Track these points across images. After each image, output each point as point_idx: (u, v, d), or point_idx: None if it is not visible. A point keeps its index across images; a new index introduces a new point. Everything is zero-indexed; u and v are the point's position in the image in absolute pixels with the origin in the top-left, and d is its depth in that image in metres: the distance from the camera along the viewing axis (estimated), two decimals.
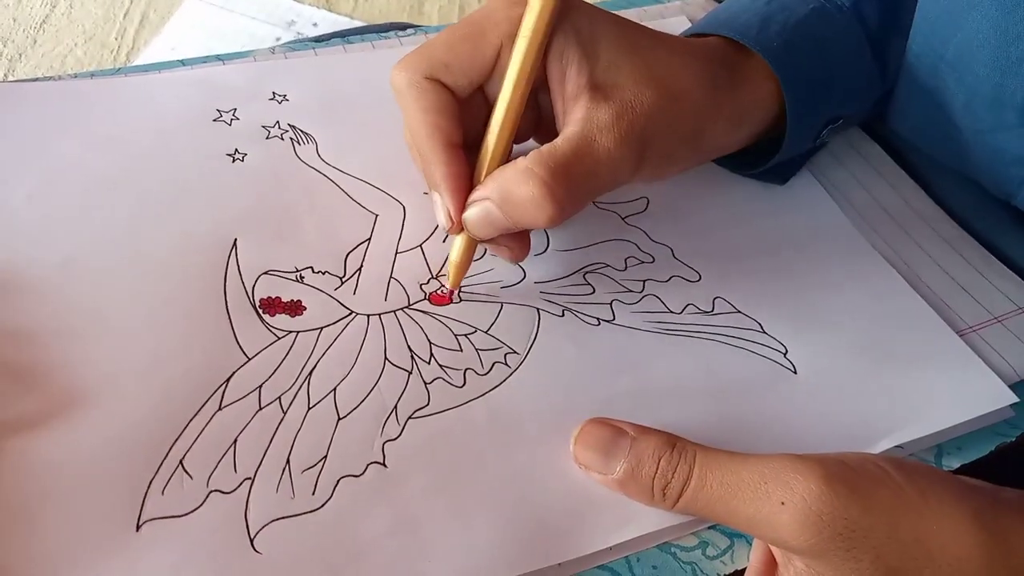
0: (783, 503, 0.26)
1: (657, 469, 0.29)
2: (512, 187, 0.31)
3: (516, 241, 0.35)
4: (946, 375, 0.35)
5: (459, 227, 0.33)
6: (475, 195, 0.33)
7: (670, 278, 0.38)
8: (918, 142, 0.43)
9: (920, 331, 0.37)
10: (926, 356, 0.36)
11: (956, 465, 0.33)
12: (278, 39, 0.84)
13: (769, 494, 0.26)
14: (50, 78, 0.41)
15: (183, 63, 0.43)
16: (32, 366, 0.30)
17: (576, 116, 0.32)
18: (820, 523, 0.26)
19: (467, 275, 0.36)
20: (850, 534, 0.25)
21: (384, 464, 0.30)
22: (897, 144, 0.46)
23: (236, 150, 0.39)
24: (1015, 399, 0.34)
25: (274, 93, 0.42)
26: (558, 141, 0.32)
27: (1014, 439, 0.34)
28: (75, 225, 0.35)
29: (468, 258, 0.34)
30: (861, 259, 0.40)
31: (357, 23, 0.89)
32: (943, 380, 0.35)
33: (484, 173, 0.33)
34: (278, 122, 0.41)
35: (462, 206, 0.33)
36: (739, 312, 0.37)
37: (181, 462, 0.29)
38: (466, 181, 0.33)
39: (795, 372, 0.35)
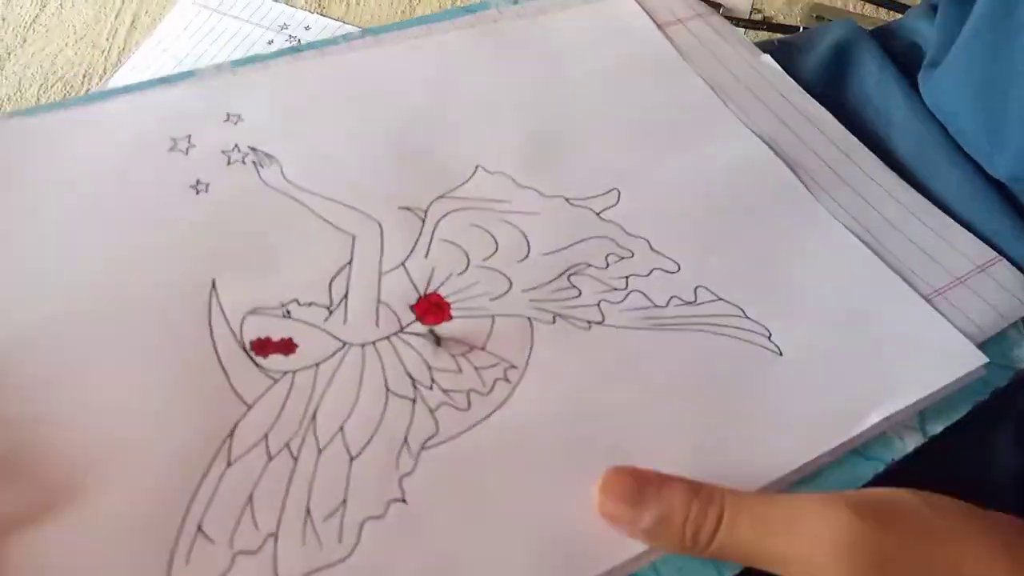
0: (816, 537, 0.27)
1: (688, 515, 0.28)
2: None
3: None
4: (921, 343, 0.37)
5: None
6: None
7: (651, 271, 0.38)
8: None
9: (891, 302, 0.39)
10: (899, 326, 0.38)
11: (939, 429, 0.35)
12: (270, 42, 0.82)
13: (801, 530, 0.27)
14: None
15: (127, 89, 0.41)
16: (18, 455, 0.29)
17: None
18: (854, 556, 0.26)
19: (455, 291, 0.36)
20: (884, 565, 0.26)
21: (404, 501, 0.30)
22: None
23: (198, 181, 0.38)
24: (986, 359, 0.36)
25: (228, 114, 0.41)
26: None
27: (987, 396, 0.37)
28: (41, 291, 0.33)
29: None
30: (829, 235, 0.41)
31: (350, 27, 0.86)
32: (918, 348, 0.37)
33: None
34: (236, 145, 0.39)
35: None
36: (721, 300, 0.38)
37: (200, 527, 0.28)
38: None
39: (781, 354, 0.36)
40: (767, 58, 0.50)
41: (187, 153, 0.39)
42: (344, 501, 0.30)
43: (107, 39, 0.84)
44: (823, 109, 0.47)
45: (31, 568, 0.27)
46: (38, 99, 0.78)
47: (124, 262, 0.35)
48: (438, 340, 0.34)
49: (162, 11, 0.84)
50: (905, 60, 0.52)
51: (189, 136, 0.39)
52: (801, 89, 0.48)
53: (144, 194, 0.37)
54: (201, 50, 0.77)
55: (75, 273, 0.34)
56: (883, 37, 0.54)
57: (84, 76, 0.84)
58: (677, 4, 0.52)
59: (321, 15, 0.88)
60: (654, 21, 0.50)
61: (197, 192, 0.37)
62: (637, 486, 0.29)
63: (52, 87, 0.80)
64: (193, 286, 0.34)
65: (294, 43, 0.86)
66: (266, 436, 0.31)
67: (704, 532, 0.28)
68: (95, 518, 0.28)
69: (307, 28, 0.86)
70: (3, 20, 0.84)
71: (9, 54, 0.81)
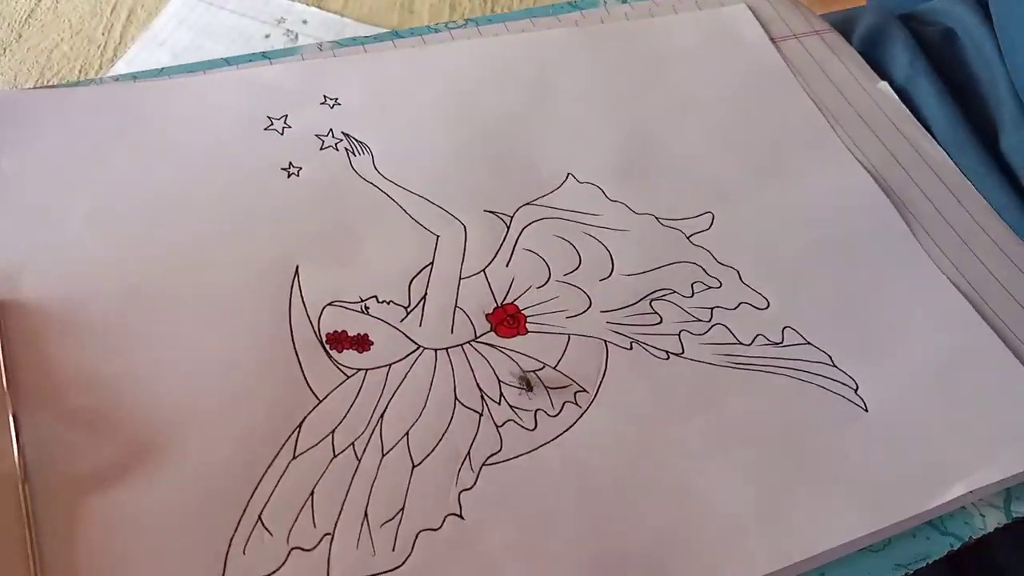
0: None
1: None
2: None
3: None
4: (1017, 413, 0.35)
5: None
6: None
7: (738, 305, 0.37)
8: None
9: (988, 365, 0.36)
10: (995, 392, 0.36)
11: None
12: (267, 36, 0.82)
13: None
14: (92, 81, 0.40)
15: (227, 62, 0.41)
16: (104, 412, 0.30)
17: None
18: None
19: (533, 304, 0.35)
20: None
21: (461, 516, 0.30)
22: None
23: (290, 163, 0.38)
24: None
25: (325, 96, 0.40)
26: None
27: None
28: (137, 249, 0.34)
29: None
30: (929, 284, 0.39)
31: (348, 21, 0.86)
32: (1013, 419, 0.35)
33: None
34: (331, 130, 0.39)
35: None
36: (809, 344, 0.36)
37: (260, 517, 0.29)
38: None
39: (866, 409, 0.35)
40: (884, 85, 0.47)
41: (282, 133, 0.39)
42: (402, 509, 0.30)
43: (103, 34, 0.84)
44: (937, 146, 0.45)
45: (106, 519, 0.28)
46: None
47: (217, 232, 0.35)
48: (530, 386, 0.33)
49: (158, 5, 0.84)
50: (939, 52, 0.48)
51: (286, 116, 0.39)
52: (916, 122, 0.46)
53: (239, 170, 0.37)
54: (198, 44, 0.77)
55: (173, 236, 0.34)
56: (914, 22, 0.50)
57: (80, 71, 0.84)
58: (795, 18, 0.49)
59: (319, 8, 0.87)
60: (768, 34, 0.48)
61: (288, 175, 0.38)
62: None
63: (48, 83, 0.80)
64: (277, 266, 0.34)
65: (291, 37, 0.85)
66: (333, 432, 0.31)
67: None
68: (166, 491, 0.29)
69: (304, 22, 0.86)
70: None
71: (4, 49, 0.81)
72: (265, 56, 0.42)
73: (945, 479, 0.33)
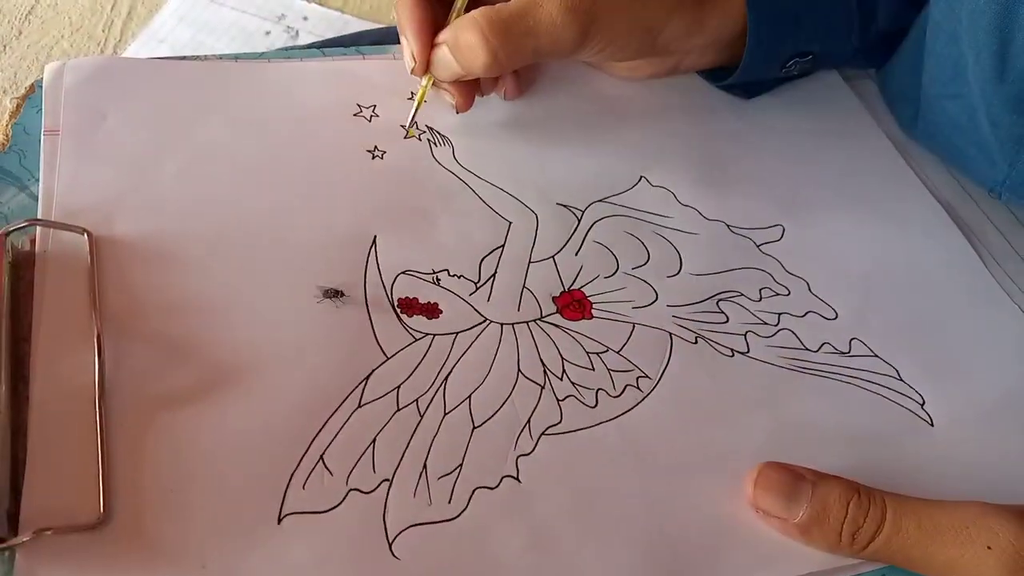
0: (989, 547, 0.26)
1: (847, 514, 0.28)
2: (460, 33, 0.36)
3: (460, 90, 0.39)
4: None
5: (421, 69, 0.38)
6: (438, 38, 0.37)
7: (806, 313, 0.37)
8: (898, 112, 0.45)
9: None
10: None
11: None
12: (268, 33, 0.83)
13: (973, 538, 0.27)
14: (197, 57, 0.42)
15: (323, 52, 0.44)
16: (182, 340, 0.31)
17: None
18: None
19: (599, 292, 0.36)
20: None
21: (518, 479, 0.30)
22: None
23: (375, 147, 0.39)
24: None
25: (412, 93, 0.42)
26: (513, 1, 0.35)
27: None
28: (220, 208, 0.35)
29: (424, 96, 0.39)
30: (1001, 313, 0.38)
31: (348, 18, 0.87)
32: None
33: (449, 21, 0.37)
34: (416, 123, 0.41)
35: (424, 49, 0.37)
36: (876, 356, 0.36)
37: (322, 457, 0.29)
38: (429, 27, 0.37)
39: (932, 424, 0.34)
40: None
41: (370, 121, 0.41)
42: (460, 466, 0.30)
43: (103, 30, 0.84)
44: None
45: (174, 441, 0.29)
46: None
47: (298, 201, 0.36)
48: (337, 294, 0.33)
49: (158, 2, 0.83)
50: None
51: (374, 106, 0.41)
52: None
53: (325, 149, 0.39)
54: (198, 41, 0.77)
55: (255, 201, 0.36)
56: None
57: None
58: None
59: (319, 5, 0.88)
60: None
61: (373, 157, 0.39)
62: (793, 479, 0.29)
63: None
64: (355, 236, 0.35)
65: (292, 34, 0.84)
66: (398, 388, 0.31)
67: (864, 533, 0.28)
68: (234, 421, 0.29)
69: (305, 19, 0.86)
70: None
71: (5, 46, 0.81)
72: (358, 51, 0.44)
73: (1013, 500, 0.32)
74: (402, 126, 0.40)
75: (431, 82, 0.39)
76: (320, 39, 0.48)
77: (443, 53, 0.37)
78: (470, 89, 0.40)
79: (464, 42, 0.36)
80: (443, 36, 0.37)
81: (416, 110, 0.40)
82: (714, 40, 0.40)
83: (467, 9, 0.38)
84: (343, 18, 0.91)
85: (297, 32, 0.87)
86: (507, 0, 0.36)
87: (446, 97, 0.40)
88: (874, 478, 0.32)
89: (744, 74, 0.41)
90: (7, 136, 0.36)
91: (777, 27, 0.40)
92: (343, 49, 0.45)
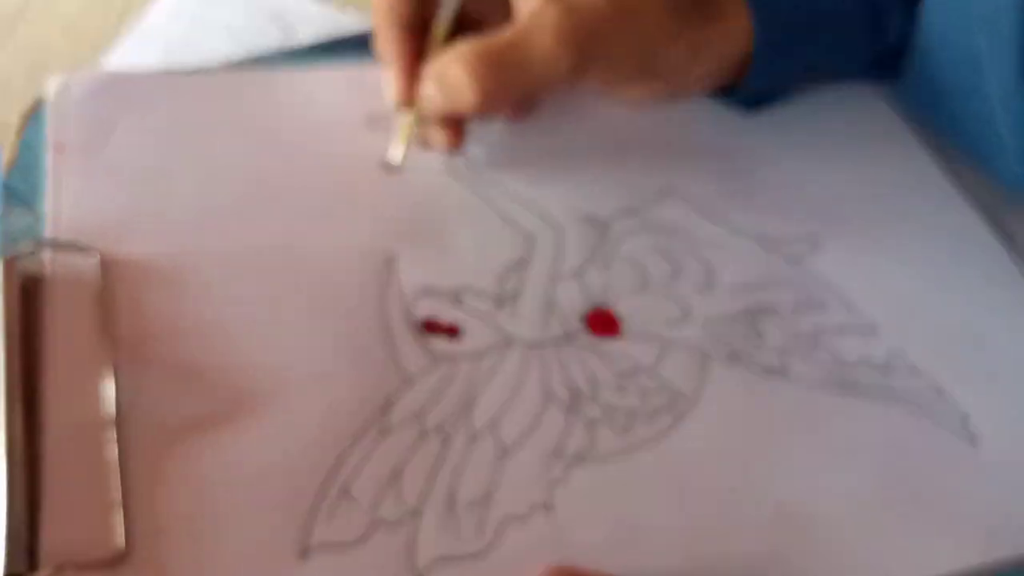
0: None
1: None
2: (447, 68, 0.34)
3: (451, 128, 0.37)
4: None
5: (405, 101, 0.36)
6: (423, 72, 0.35)
7: (842, 329, 0.35)
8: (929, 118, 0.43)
9: None
10: None
11: None
12: (262, 30, 0.81)
13: None
14: (204, 69, 0.41)
15: (333, 58, 0.43)
16: (198, 365, 0.29)
17: (525, 11, 0.34)
18: None
19: (630, 309, 0.34)
20: None
21: (551, 508, 0.28)
22: None
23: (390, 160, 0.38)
24: None
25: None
26: (502, 31, 0.34)
27: None
28: (234, 226, 0.34)
29: (411, 132, 0.37)
30: None
31: (347, 17, 0.85)
32: None
33: (431, 54, 0.36)
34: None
35: (406, 82, 0.36)
36: (917, 373, 0.34)
37: (346, 486, 0.28)
38: (415, 59, 0.36)
39: (973, 444, 0.33)
40: None
41: (387, 131, 0.39)
42: (490, 496, 0.28)
43: (96, 28, 0.81)
44: None
45: (191, 471, 0.27)
46: (26, 91, 0.77)
47: (313, 217, 0.35)
48: None
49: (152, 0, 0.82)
50: None
51: (388, 117, 0.40)
52: None
53: (339, 162, 0.38)
54: (192, 38, 0.75)
55: (269, 217, 0.35)
56: None
57: (74, 67, 0.81)
58: None
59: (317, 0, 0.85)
60: None
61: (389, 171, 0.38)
62: None
63: (40, 77, 0.76)
64: (373, 253, 0.34)
65: (287, 32, 0.82)
66: (423, 414, 0.30)
67: None
68: (255, 450, 0.28)
69: (303, 17, 0.84)
70: None
71: None
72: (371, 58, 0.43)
73: None
74: (386, 163, 0.38)
75: (417, 117, 0.36)
76: (317, 37, 0.47)
77: (429, 90, 0.35)
78: (460, 125, 0.37)
79: (452, 79, 0.33)
80: (428, 71, 0.35)
81: (407, 146, 0.37)
82: (718, 61, 0.38)
83: (452, 34, 0.36)
84: (341, 16, 0.89)
85: (293, 29, 0.86)
86: (492, 34, 0.34)
87: (434, 137, 0.37)
88: (917, 498, 0.31)
89: (747, 92, 0.40)
90: (14, 154, 0.35)
91: (788, 40, 0.38)
92: (352, 51, 0.44)
